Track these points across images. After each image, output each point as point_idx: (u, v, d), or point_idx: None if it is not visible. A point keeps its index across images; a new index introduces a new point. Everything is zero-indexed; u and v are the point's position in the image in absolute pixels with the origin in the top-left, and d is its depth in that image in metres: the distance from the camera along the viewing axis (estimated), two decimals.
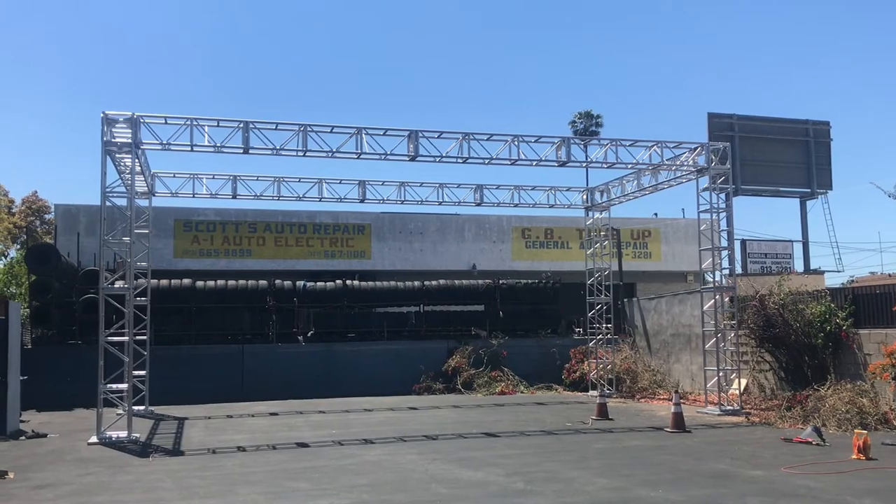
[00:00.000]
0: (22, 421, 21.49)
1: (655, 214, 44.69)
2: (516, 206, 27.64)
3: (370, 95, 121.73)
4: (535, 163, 21.35)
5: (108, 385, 18.04)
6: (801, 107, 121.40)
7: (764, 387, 23.48)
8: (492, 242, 39.38)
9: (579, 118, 74.38)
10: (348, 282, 30.77)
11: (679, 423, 17.90)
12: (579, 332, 32.18)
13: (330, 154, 19.80)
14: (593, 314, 28.23)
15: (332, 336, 29.96)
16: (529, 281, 33.28)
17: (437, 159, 20.57)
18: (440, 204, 26.89)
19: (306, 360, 28.64)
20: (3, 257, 35.16)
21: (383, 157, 20.16)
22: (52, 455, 15.88)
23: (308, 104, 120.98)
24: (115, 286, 18.76)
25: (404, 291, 31.27)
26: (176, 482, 12.71)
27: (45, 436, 18.79)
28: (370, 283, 31.43)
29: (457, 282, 32.21)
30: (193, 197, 24.94)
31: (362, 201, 25.96)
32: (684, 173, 23.31)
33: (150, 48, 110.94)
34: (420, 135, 20.17)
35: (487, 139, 20.90)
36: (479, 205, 27.22)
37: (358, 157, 20.02)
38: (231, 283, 29.54)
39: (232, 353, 28.07)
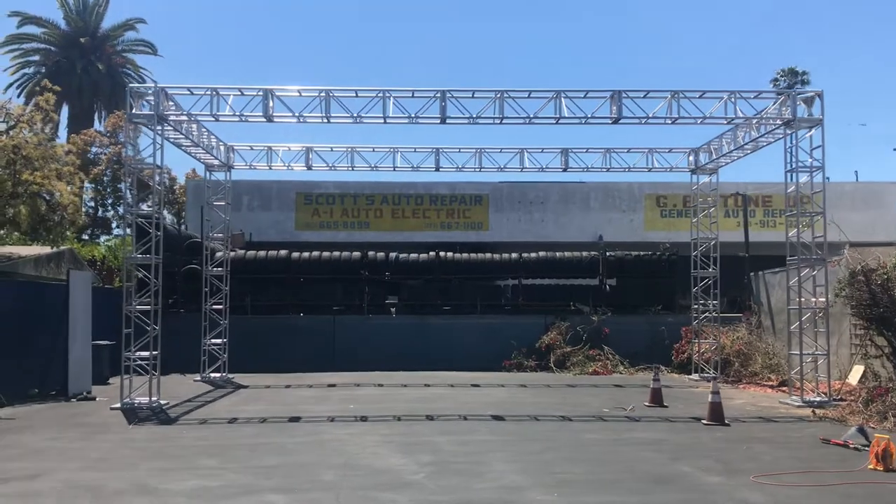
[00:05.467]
0: (108, 384, 22.93)
1: (827, 178, 39.50)
2: (608, 170, 25.40)
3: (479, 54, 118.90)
4: (583, 120, 19.31)
5: (137, 353, 18.55)
6: None
7: (879, 375, 19.88)
8: (621, 212, 36.71)
9: (782, 75, 68.24)
10: (441, 253, 29.88)
11: (716, 414, 15.40)
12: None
13: (355, 119, 19.02)
14: (697, 290, 25.43)
15: (426, 309, 29.28)
16: (641, 253, 30.56)
17: (471, 120, 19.12)
18: (522, 171, 25.40)
19: (398, 332, 28.20)
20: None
21: (412, 119, 19.06)
22: (65, 418, 16.47)
23: (331, 69, 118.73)
24: (138, 257, 19.12)
25: (499, 264, 29.84)
26: (109, 453, 12.61)
27: (94, 399, 19.75)
28: (464, 255, 30.27)
29: (558, 254, 30.21)
30: (270, 169, 25.14)
31: (437, 170, 25.13)
32: (774, 128, 20.16)
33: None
34: (449, 95, 18.86)
35: (527, 97, 19.21)
36: (565, 170, 25.32)
37: (384, 122, 19.09)
38: (325, 254, 29.64)
39: (323, 324, 28.18)
